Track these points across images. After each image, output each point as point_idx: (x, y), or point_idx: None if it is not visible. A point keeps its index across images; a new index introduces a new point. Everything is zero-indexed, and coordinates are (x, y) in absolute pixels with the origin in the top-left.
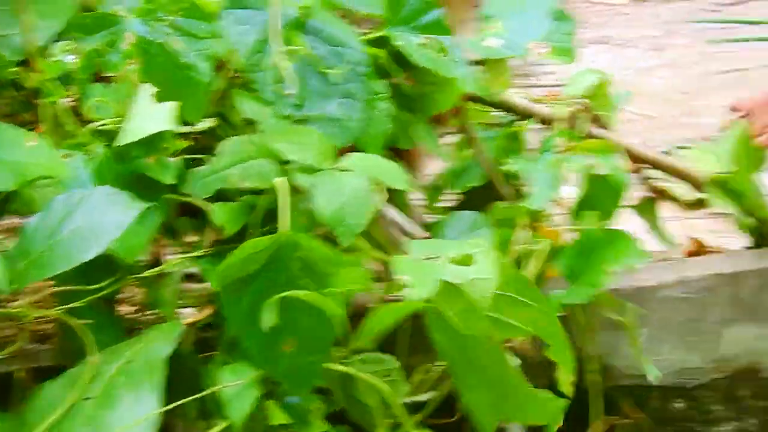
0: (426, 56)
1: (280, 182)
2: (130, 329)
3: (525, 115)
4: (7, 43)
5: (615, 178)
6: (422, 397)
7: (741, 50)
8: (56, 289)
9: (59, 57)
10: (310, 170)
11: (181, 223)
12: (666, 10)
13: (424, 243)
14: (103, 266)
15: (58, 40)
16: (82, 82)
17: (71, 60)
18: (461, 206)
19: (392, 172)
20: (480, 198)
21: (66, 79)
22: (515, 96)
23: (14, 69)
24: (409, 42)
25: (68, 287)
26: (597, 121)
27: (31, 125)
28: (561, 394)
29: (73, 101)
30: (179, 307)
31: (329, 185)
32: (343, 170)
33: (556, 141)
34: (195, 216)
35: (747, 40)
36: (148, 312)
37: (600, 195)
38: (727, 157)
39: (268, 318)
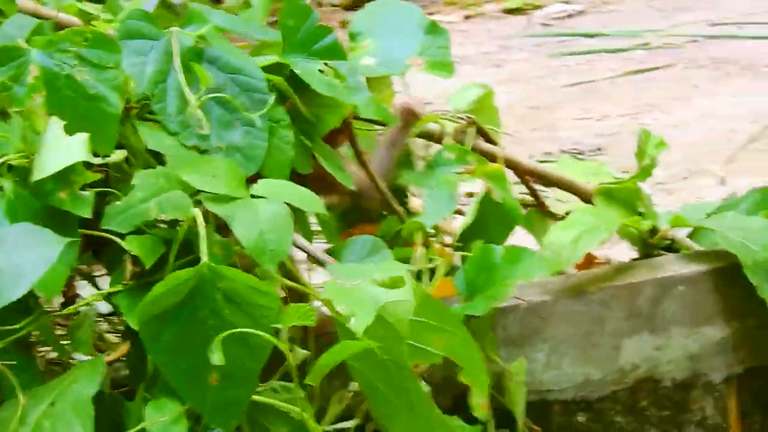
0: (325, 83)
1: (198, 213)
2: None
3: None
4: None
5: (509, 206)
6: (339, 426)
7: (584, 63)
8: None
9: None
10: (224, 199)
11: (88, 258)
12: (500, 26)
13: (345, 268)
14: (16, 305)
15: None
16: None
17: None
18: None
19: (305, 198)
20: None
21: None
22: None
23: None
24: (307, 69)
25: None
26: (484, 135)
27: None
28: (472, 419)
29: None
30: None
31: (246, 214)
32: (256, 197)
33: (446, 155)
34: (101, 251)
35: (590, 52)
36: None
37: (492, 220)
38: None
39: (217, 358)
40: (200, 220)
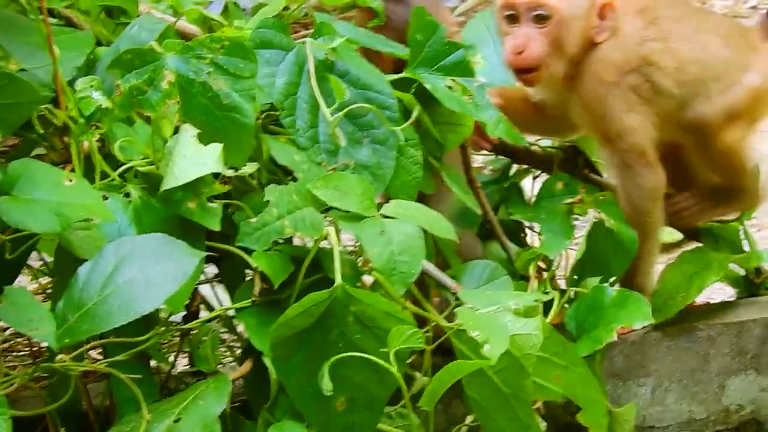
0: (456, 99)
1: (332, 232)
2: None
3: (518, 158)
4: (33, 77)
5: (625, 235)
6: None
7: None
8: (99, 342)
9: (84, 93)
10: (355, 218)
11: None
12: None
13: (477, 294)
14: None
15: (78, 76)
16: (110, 121)
17: (98, 97)
18: None
19: (436, 221)
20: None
21: (91, 117)
22: None
23: (42, 106)
24: (436, 84)
25: (110, 339)
26: (589, 165)
27: (59, 164)
28: None
29: (98, 140)
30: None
31: (378, 234)
32: (387, 217)
33: (555, 186)
34: (221, 262)
35: None
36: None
37: (607, 251)
38: None
39: (327, 383)
40: (334, 239)
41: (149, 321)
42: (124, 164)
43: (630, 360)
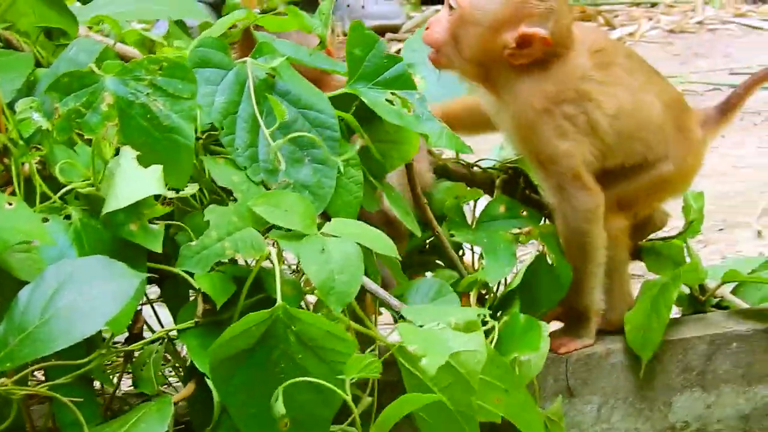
0: (395, 113)
1: (273, 252)
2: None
3: (460, 178)
4: None
5: (562, 270)
6: None
7: None
8: (40, 365)
9: (24, 114)
10: (296, 236)
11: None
12: None
13: (418, 309)
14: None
15: (18, 98)
16: (50, 143)
17: (38, 118)
18: None
19: (378, 240)
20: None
21: (31, 139)
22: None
23: None
24: (376, 99)
25: (51, 363)
26: (530, 185)
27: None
28: None
29: (38, 162)
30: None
31: (318, 252)
32: (328, 236)
33: (497, 209)
34: (163, 283)
35: None
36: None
37: (543, 283)
38: None
39: (279, 407)
40: (275, 259)
41: (91, 343)
42: (64, 186)
43: (575, 377)
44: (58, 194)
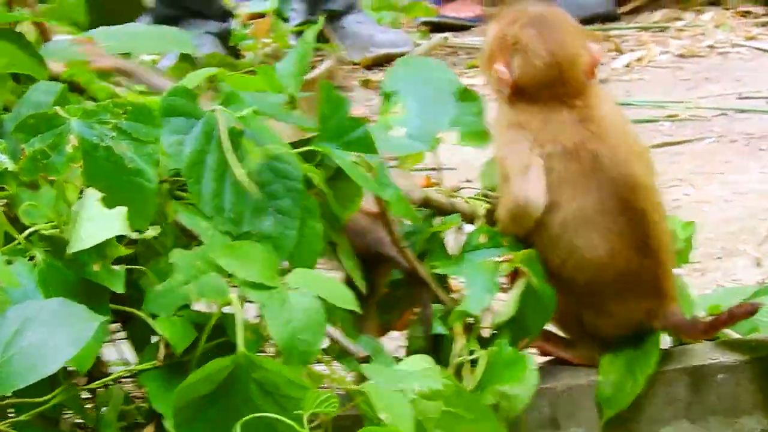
0: (362, 176)
1: (235, 299)
2: None
3: (441, 210)
4: None
5: (546, 294)
6: None
7: None
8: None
9: None
10: (259, 287)
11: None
12: None
13: (383, 371)
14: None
15: None
16: (15, 185)
17: (4, 159)
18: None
19: (339, 292)
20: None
21: None
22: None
23: None
24: (345, 159)
25: (12, 400)
26: None
27: None
28: None
29: (3, 204)
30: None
31: (280, 308)
32: (290, 288)
33: (478, 240)
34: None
35: None
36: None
37: (528, 309)
38: None
39: None
40: (237, 306)
41: (54, 381)
42: (29, 228)
43: (558, 409)
44: (23, 236)
